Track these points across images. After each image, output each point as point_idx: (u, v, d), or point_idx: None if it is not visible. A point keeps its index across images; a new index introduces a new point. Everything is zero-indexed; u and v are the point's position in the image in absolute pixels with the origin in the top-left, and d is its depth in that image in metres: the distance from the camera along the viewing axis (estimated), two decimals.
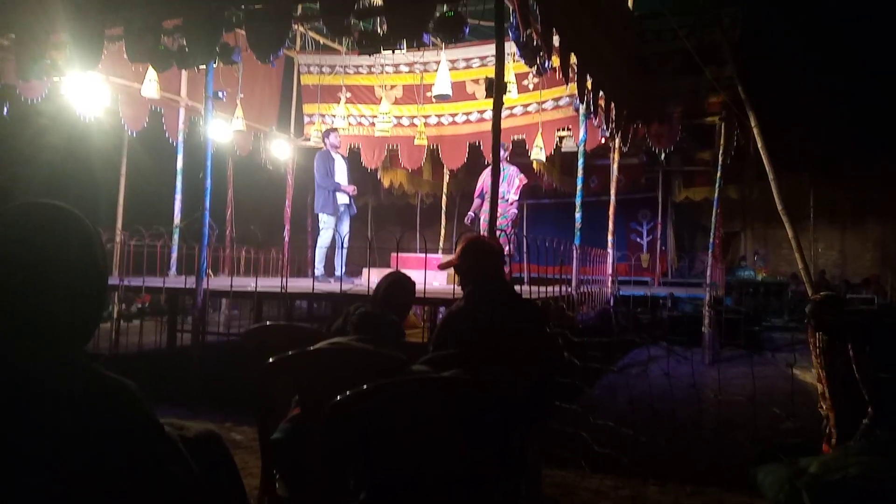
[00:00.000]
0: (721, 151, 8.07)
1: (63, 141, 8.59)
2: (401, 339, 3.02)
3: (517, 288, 4.56)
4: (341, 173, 8.03)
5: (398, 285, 3.39)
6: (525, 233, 11.39)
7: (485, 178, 7.67)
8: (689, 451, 4.06)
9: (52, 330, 1.17)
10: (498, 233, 6.67)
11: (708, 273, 8.31)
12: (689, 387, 4.39)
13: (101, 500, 1.12)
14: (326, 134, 8.23)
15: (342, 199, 7.99)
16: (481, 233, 6.67)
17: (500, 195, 6.86)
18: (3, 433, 1.07)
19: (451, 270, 5.89)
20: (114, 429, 1.15)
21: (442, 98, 8.03)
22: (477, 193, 8.18)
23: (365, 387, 1.79)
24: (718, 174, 8.27)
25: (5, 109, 6.66)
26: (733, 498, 3.55)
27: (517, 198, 7.94)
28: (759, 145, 7.42)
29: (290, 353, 2.59)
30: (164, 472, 1.22)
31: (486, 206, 6.89)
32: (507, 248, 5.99)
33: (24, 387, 1.11)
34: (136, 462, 1.17)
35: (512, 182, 7.86)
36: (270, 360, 2.52)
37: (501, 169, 6.87)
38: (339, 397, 1.76)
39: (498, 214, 6.79)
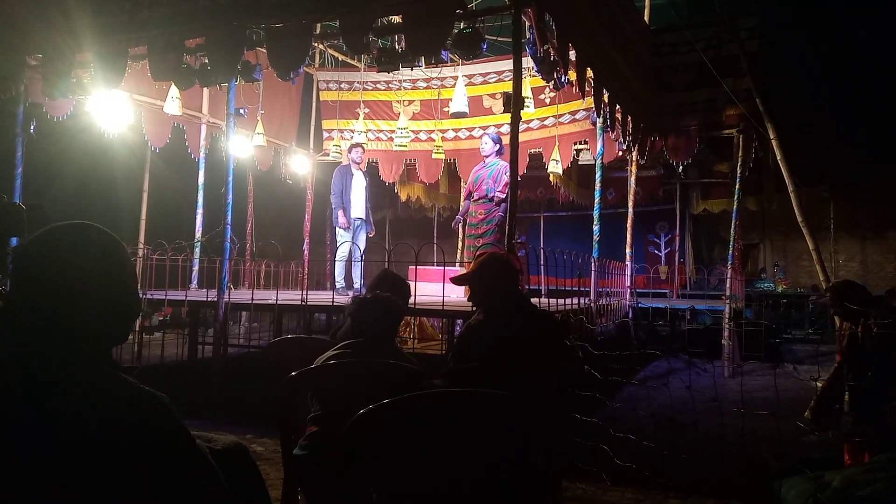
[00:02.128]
0: (739, 163, 8.04)
1: (87, 157, 8.75)
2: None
3: (535, 301, 4.56)
4: (359, 190, 8.08)
5: (385, 282, 3.37)
6: (542, 245, 11.38)
7: (472, 178, 6.97)
8: (711, 465, 4.03)
9: (85, 344, 1.22)
10: (482, 241, 6.53)
11: (727, 285, 8.25)
12: (710, 399, 4.36)
13: None
14: (350, 149, 8.29)
15: (356, 212, 8.04)
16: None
17: (484, 193, 6.59)
18: (38, 444, 1.10)
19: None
20: (147, 440, 1.18)
21: (459, 115, 8.06)
22: (465, 196, 7.30)
23: (387, 401, 1.81)
24: (737, 186, 8.22)
25: (32, 127, 6.82)
26: None
27: (504, 197, 6.42)
28: (779, 157, 7.38)
29: (312, 366, 2.62)
30: (194, 484, 1.25)
31: (472, 209, 6.78)
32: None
33: (58, 399, 1.14)
34: (168, 473, 1.20)
35: (499, 179, 6.61)
36: (293, 373, 2.56)
37: (492, 164, 6.66)
38: (361, 411, 1.78)
39: (480, 217, 6.65)
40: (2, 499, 1.08)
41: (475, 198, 6.72)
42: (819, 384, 4.42)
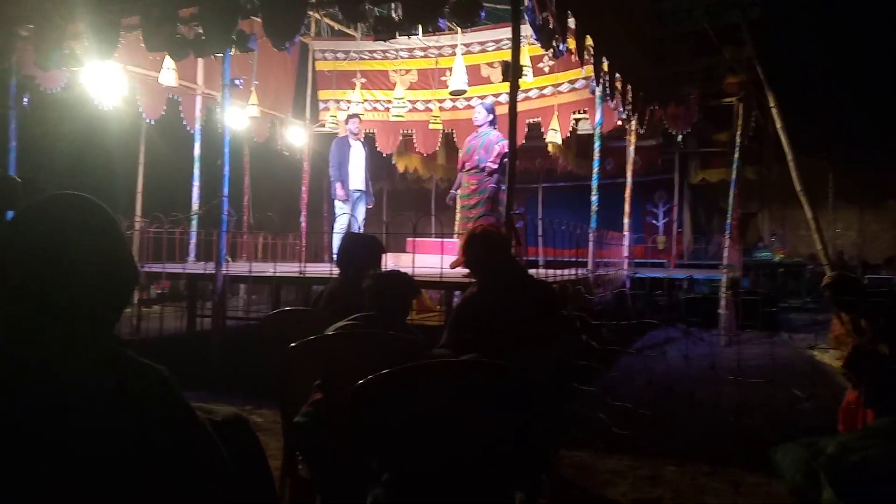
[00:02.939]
0: (739, 132, 8.00)
1: (82, 130, 8.67)
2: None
3: (533, 272, 4.57)
4: (357, 161, 8.04)
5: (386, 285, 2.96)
6: (541, 216, 11.36)
7: (464, 148, 6.86)
8: (706, 432, 4.08)
9: (81, 317, 1.21)
10: (474, 212, 6.46)
11: (725, 255, 8.27)
12: (706, 368, 4.40)
13: (134, 483, 1.16)
14: (347, 120, 8.23)
15: (354, 184, 8.01)
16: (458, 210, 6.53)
17: (475, 164, 6.48)
18: (38, 421, 1.10)
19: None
20: (147, 413, 1.19)
21: (458, 93, 7.98)
22: (459, 167, 7.14)
23: (388, 370, 1.82)
24: (736, 155, 8.19)
25: (26, 99, 6.75)
26: (751, 478, 3.57)
27: (496, 167, 6.43)
28: (779, 126, 7.35)
29: (311, 337, 2.63)
30: (195, 456, 1.25)
31: (465, 180, 6.68)
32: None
33: (53, 373, 1.14)
34: (169, 446, 1.21)
35: (490, 149, 6.47)
36: (292, 344, 2.57)
37: (484, 133, 6.54)
38: (361, 381, 1.79)
39: (472, 188, 6.56)
40: (6, 477, 1.08)
41: (467, 168, 6.65)
42: (816, 353, 4.46)
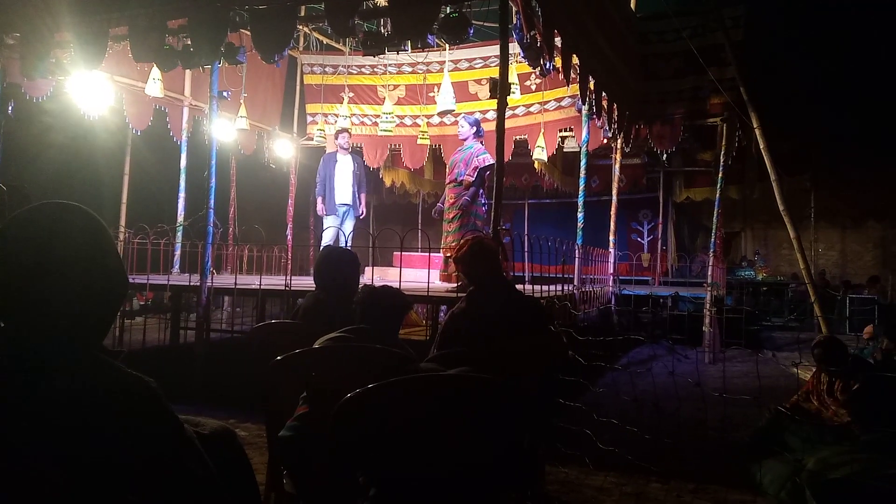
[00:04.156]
0: (723, 152, 8.09)
1: (68, 139, 8.62)
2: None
3: (520, 287, 4.57)
4: (344, 175, 8.04)
5: (378, 299, 2.86)
6: (527, 232, 11.38)
7: (449, 163, 6.75)
8: (692, 449, 4.09)
9: (68, 327, 1.20)
10: (452, 226, 6.45)
11: (709, 272, 8.34)
12: (691, 385, 4.42)
13: (120, 495, 1.14)
14: (336, 135, 8.25)
15: (341, 198, 8.01)
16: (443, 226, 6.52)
17: (454, 177, 6.42)
18: (23, 431, 1.09)
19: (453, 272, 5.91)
20: (135, 425, 1.17)
21: (446, 113, 7.99)
22: (446, 182, 6.91)
23: (375, 384, 1.81)
24: (720, 174, 8.29)
25: (10, 108, 6.70)
26: (736, 495, 3.58)
27: (473, 179, 6.25)
28: (762, 146, 7.44)
29: (297, 350, 2.61)
30: (182, 469, 1.24)
31: (446, 193, 6.65)
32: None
33: (41, 384, 1.12)
34: (157, 458, 1.19)
35: (469, 162, 6.33)
36: (278, 357, 2.55)
37: (467, 147, 6.47)
38: (348, 394, 1.78)
39: (450, 202, 6.55)
40: None
41: (447, 181, 6.65)
42: (798, 371, 4.52)
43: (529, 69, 6.39)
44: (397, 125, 9.23)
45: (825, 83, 12.09)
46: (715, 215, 8.52)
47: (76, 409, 1.12)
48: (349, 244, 7.45)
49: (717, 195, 8.43)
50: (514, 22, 4.78)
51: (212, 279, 5.97)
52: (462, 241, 3.48)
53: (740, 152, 8.57)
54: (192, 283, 6.18)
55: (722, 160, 8.14)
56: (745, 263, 14.07)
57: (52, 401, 1.11)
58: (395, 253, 7.29)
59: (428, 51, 8.49)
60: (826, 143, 12.01)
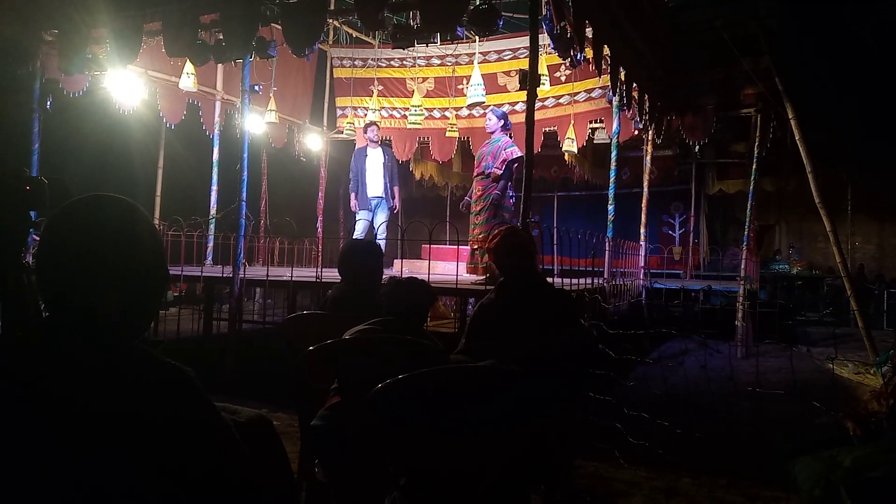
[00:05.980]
0: (756, 143, 7.94)
1: (103, 133, 8.78)
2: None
3: (549, 280, 4.56)
4: (375, 168, 8.10)
5: (404, 291, 2.91)
6: (556, 225, 11.34)
7: (477, 156, 6.68)
8: (724, 444, 4.05)
9: (109, 317, 1.22)
10: (480, 218, 6.41)
11: (742, 266, 8.21)
12: (723, 379, 4.37)
13: (162, 483, 1.17)
14: (365, 129, 8.31)
15: (373, 191, 8.06)
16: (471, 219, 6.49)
17: (482, 170, 6.35)
18: (67, 419, 1.12)
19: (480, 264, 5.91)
20: (175, 414, 1.20)
21: (475, 105, 7.97)
22: (474, 175, 6.81)
23: (406, 375, 1.83)
24: (754, 166, 8.14)
25: (49, 102, 6.86)
26: (768, 492, 3.54)
27: (501, 173, 6.18)
28: (797, 137, 7.30)
29: (329, 341, 2.64)
30: (220, 456, 1.27)
31: (474, 186, 6.61)
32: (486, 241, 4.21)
33: (87, 373, 1.15)
34: (195, 446, 1.22)
35: (497, 155, 6.27)
36: (310, 348, 2.58)
37: (495, 140, 6.46)
38: (380, 384, 1.80)
39: (478, 195, 6.52)
40: (34, 473, 1.09)
41: (475, 174, 6.63)
42: (835, 367, 4.43)
43: (559, 60, 6.37)
44: (426, 118, 9.23)
45: (862, 72, 11.79)
46: (749, 208, 8.37)
47: (117, 398, 1.14)
48: (382, 237, 7.48)
49: (751, 187, 8.28)
50: (545, 13, 4.74)
51: (244, 271, 6.05)
52: (496, 231, 3.48)
53: (775, 143, 8.40)
54: (224, 275, 6.28)
55: (756, 151, 7.99)
56: (779, 257, 13.83)
57: (93, 389, 1.14)
58: (423, 245, 7.30)
59: (457, 43, 8.47)
60: (863, 134, 11.74)
